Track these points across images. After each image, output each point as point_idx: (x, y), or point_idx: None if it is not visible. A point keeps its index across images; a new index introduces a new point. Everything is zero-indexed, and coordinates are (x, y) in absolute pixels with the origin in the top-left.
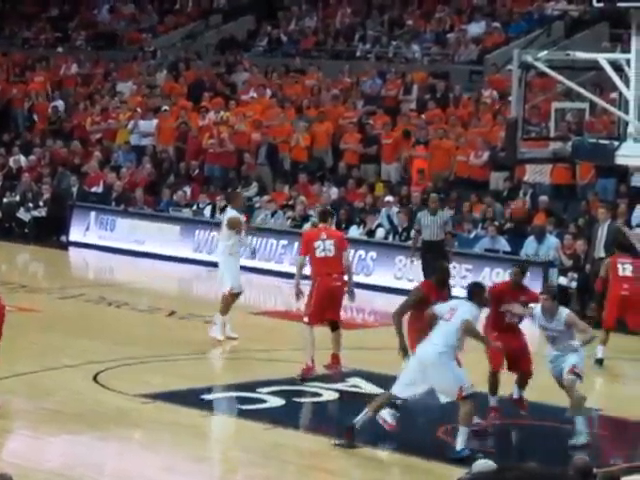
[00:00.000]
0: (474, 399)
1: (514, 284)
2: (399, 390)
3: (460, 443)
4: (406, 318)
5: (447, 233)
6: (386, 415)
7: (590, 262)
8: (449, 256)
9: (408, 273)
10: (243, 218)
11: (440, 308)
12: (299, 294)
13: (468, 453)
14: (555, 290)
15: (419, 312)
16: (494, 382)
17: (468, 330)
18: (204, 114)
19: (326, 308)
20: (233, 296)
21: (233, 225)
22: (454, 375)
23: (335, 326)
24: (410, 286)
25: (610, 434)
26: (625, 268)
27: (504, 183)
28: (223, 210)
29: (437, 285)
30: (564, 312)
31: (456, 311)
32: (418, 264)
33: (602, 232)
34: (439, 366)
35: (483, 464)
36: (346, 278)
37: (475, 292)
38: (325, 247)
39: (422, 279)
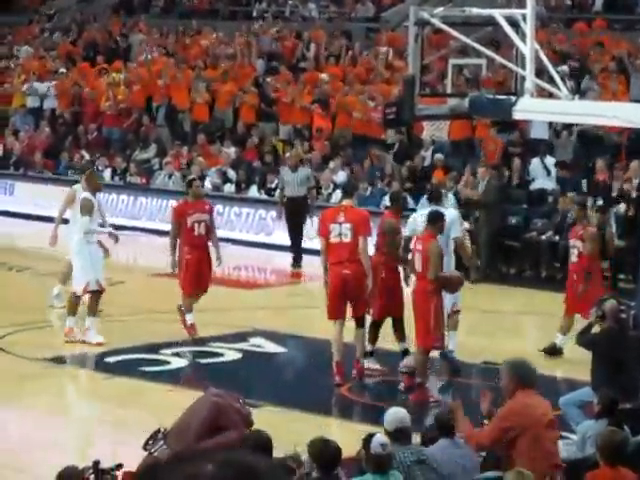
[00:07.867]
0: None
1: None
2: None
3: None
4: None
5: (309, 188)
6: None
7: None
8: (312, 210)
9: (309, 232)
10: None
11: None
12: None
13: None
14: None
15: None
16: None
17: None
18: (104, 75)
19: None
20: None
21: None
22: None
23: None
24: (310, 244)
25: None
26: None
27: (400, 140)
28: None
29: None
30: None
31: None
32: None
33: None
34: None
35: (394, 413)
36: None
37: None
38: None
39: (287, 233)
